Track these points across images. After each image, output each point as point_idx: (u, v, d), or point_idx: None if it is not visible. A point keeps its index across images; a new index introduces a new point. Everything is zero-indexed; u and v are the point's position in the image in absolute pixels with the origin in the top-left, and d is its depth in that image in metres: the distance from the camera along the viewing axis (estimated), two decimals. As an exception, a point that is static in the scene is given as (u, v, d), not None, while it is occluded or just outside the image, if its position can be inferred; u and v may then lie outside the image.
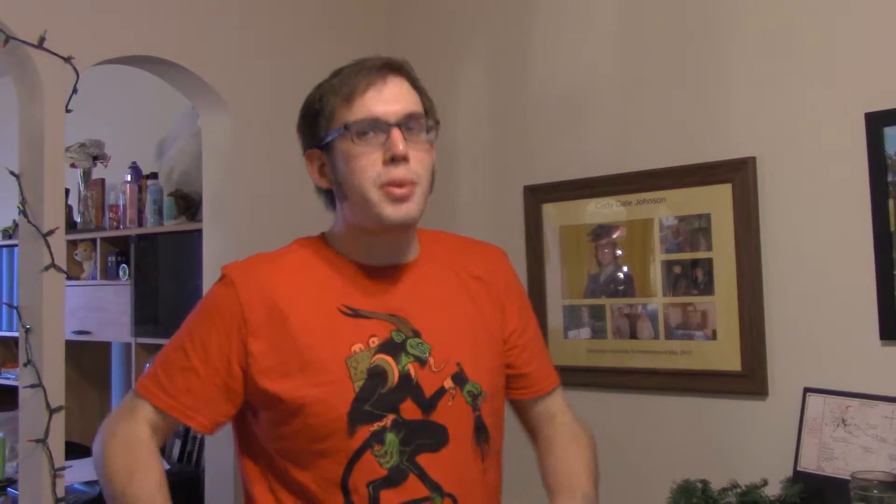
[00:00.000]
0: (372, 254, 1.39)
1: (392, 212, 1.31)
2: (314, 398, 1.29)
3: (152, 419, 1.34)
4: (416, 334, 1.36)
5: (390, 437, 1.30)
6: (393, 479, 1.30)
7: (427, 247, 1.46)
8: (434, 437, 1.33)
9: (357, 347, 1.32)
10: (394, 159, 1.30)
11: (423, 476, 1.32)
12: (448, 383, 1.35)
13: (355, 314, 1.35)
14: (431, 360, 1.35)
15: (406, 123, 1.32)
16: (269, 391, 1.31)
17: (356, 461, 1.30)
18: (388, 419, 1.31)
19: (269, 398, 1.32)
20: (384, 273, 1.39)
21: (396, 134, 1.30)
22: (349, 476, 1.30)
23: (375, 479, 1.30)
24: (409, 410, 1.32)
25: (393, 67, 1.35)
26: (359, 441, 1.30)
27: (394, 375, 1.32)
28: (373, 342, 1.33)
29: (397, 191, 1.30)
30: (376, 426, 1.30)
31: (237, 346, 1.32)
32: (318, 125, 1.37)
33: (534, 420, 1.52)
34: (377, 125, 1.31)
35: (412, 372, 1.33)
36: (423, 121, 1.35)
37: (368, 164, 1.31)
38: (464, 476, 1.36)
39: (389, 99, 1.32)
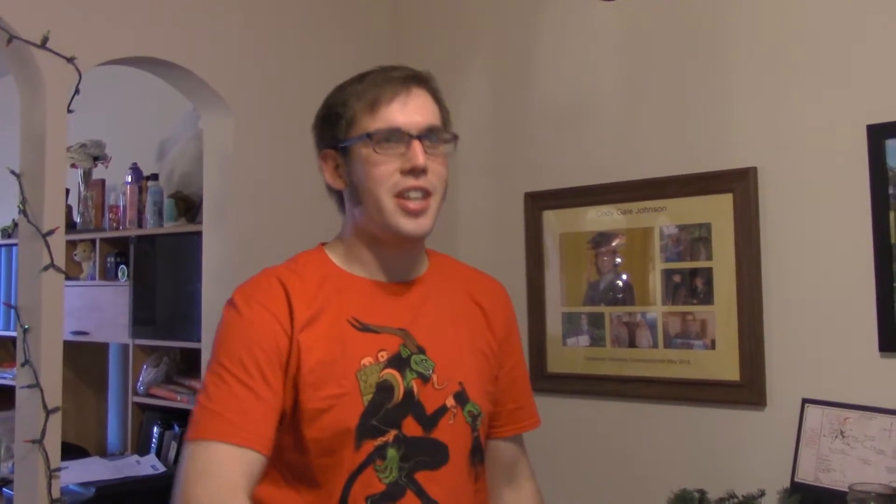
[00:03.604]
0: (379, 268, 1.39)
1: (406, 224, 1.32)
2: (325, 410, 1.29)
3: (243, 463, 1.22)
4: (421, 350, 1.35)
5: (391, 452, 1.30)
6: (391, 495, 1.30)
7: (436, 266, 1.47)
8: (434, 454, 1.33)
9: (367, 361, 1.32)
10: (413, 170, 1.31)
11: (420, 493, 1.31)
12: (450, 402, 1.35)
13: (364, 328, 1.34)
14: (435, 378, 1.35)
15: (427, 136, 1.34)
16: (288, 402, 1.30)
17: (358, 475, 1.30)
18: (391, 434, 1.31)
19: (287, 409, 1.30)
20: (391, 289, 1.39)
21: (417, 146, 1.32)
22: (349, 490, 1.29)
23: (374, 493, 1.30)
24: (410, 427, 1.32)
25: (418, 79, 1.37)
26: (363, 455, 1.30)
27: (399, 391, 1.32)
28: (382, 356, 1.33)
29: (412, 205, 1.32)
30: (380, 441, 1.30)
31: (285, 352, 1.29)
32: (338, 127, 1.37)
33: (497, 467, 1.50)
34: (399, 135, 1.32)
35: (415, 388, 1.33)
36: (443, 134, 1.37)
37: (386, 173, 1.32)
38: (460, 496, 1.36)
39: (413, 111, 1.34)
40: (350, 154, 1.35)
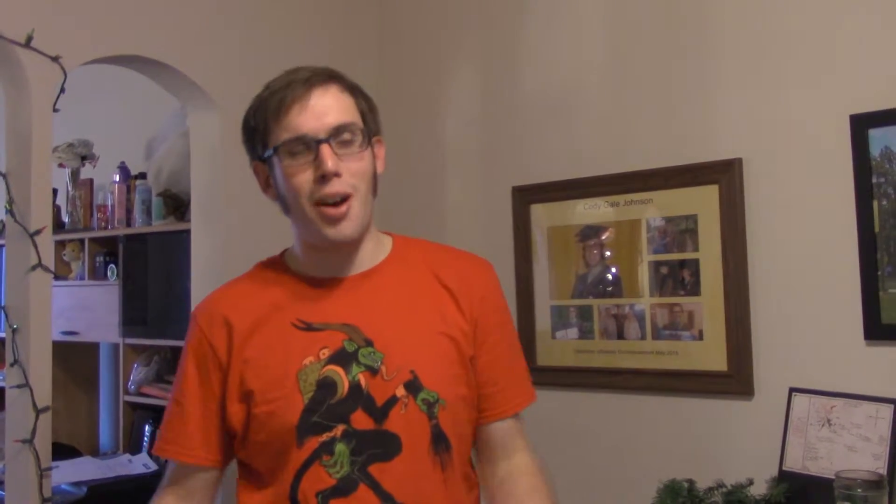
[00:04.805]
0: (325, 265, 1.40)
1: (331, 232, 1.33)
2: (271, 413, 1.32)
3: (173, 476, 1.42)
4: (369, 343, 1.35)
5: (340, 447, 1.30)
6: (342, 489, 1.30)
7: (398, 252, 1.45)
8: (386, 446, 1.32)
9: (308, 360, 1.33)
10: (324, 178, 1.30)
11: (374, 486, 1.31)
12: (400, 391, 1.33)
13: (308, 328, 1.35)
14: (384, 369, 1.33)
15: (336, 136, 1.32)
16: (234, 413, 1.35)
17: (304, 472, 1.31)
18: (338, 430, 1.31)
19: (236, 419, 1.36)
20: (338, 284, 1.39)
21: (325, 151, 1.30)
22: (298, 486, 1.31)
23: (325, 488, 1.30)
24: (360, 420, 1.31)
25: (321, 77, 1.35)
26: (307, 452, 1.31)
27: (343, 386, 1.32)
28: (323, 354, 1.33)
29: (332, 211, 1.31)
30: (325, 437, 1.31)
31: (216, 377, 1.37)
32: (255, 140, 1.38)
33: (490, 449, 1.46)
34: (306, 142, 1.31)
35: (363, 382, 1.32)
36: (357, 128, 1.34)
37: (302, 182, 1.31)
38: (421, 485, 1.34)
39: (318, 113, 1.32)
40: (271, 165, 1.36)
